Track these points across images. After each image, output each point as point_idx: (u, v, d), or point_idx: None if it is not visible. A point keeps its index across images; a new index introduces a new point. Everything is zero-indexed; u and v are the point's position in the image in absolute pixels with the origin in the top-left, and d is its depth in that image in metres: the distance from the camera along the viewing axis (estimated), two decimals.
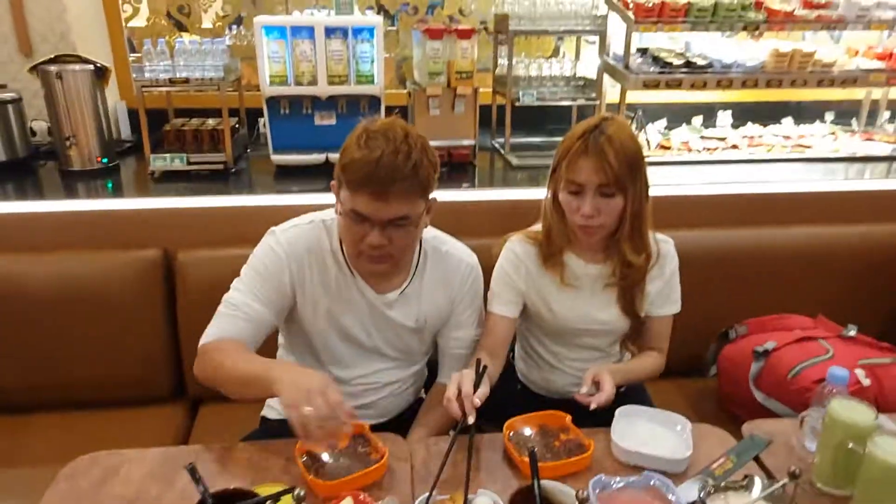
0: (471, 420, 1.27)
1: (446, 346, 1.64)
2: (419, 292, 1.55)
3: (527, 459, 1.22)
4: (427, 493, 1.14)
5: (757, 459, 1.30)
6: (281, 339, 1.66)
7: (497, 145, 2.89)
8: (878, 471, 1.12)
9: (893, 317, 2.13)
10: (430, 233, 1.57)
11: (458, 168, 2.58)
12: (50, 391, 1.94)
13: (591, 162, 1.42)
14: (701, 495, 1.18)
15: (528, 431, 1.38)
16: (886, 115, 3.36)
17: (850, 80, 2.76)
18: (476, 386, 1.31)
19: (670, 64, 2.64)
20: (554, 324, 1.64)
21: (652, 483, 1.22)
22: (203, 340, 1.44)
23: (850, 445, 1.17)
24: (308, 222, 1.52)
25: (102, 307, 1.91)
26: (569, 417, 1.40)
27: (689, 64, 2.66)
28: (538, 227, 1.63)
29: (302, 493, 1.04)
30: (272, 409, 1.67)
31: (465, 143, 2.69)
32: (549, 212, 1.57)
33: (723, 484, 1.17)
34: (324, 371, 1.56)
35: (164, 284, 1.95)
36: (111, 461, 1.31)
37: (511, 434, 1.36)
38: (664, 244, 1.62)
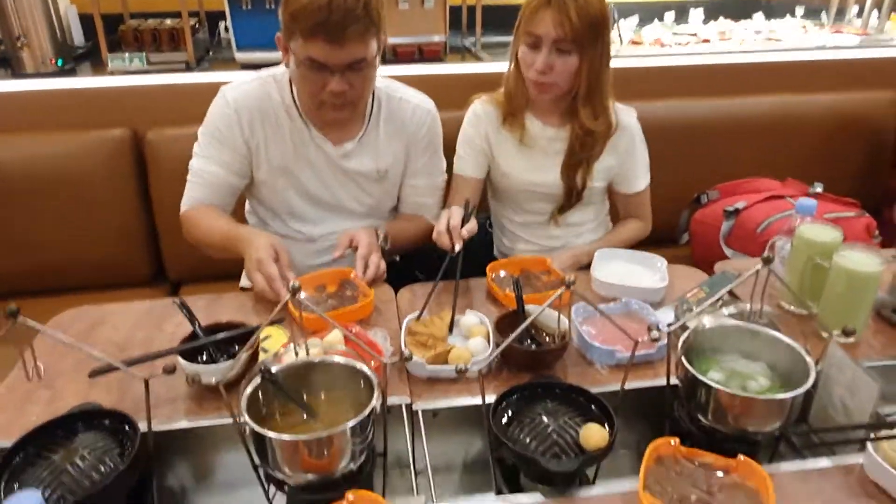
0: (458, 247, 1.30)
1: (405, 196, 1.66)
2: (376, 140, 1.55)
3: (511, 294, 1.26)
4: (417, 312, 1.18)
5: (730, 293, 1.36)
6: (247, 205, 1.67)
7: (468, 44, 2.84)
8: (843, 281, 1.19)
9: (857, 177, 2.20)
10: (382, 82, 1.55)
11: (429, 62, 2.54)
12: (26, 277, 1.92)
13: (552, 14, 1.41)
14: (677, 313, 1.23)
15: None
16: (855, 9, 3.38)
17: None
18: (464, 222, 1.34)
19: None
20: (505, 185, 1.66)
21: (630, 308, 1.28)
22: (181, 209, 1.52)
23: (817, 261, 1.23)
24: (257, 79, 1.49)
25: (73, 189, 1.87)
26: (549, 260, 1.44)
27: None
28: (503, 89, 1.63)
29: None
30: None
31: (436, 38, 2.63)
32: (510, 71, 1.57)
33: (696, 308, 1.23)
34: (290, 230, 1.59)
35: (134, 165, 1.91)
36: (97, 313, 1.31)
37: (494, 275, 1.39)
38: (625, 114, 1.60)
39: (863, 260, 1.18)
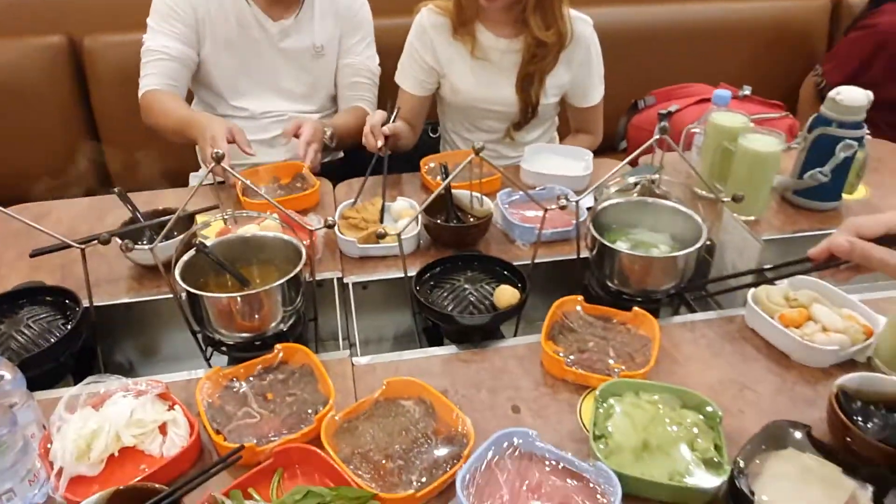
0: (379, 144, 1.36)
1: (342, 78, 1.71)
2: (311, 18, 1.61)
3: (440, 181, 1.33)
4: (351, 200, 1.24)
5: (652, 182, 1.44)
6: (195, 98, 1.73)
7: None
8: (747, 162, 1.28)
9: (785, 83, 2.28)
10: None
11: None
12: None
13: None
14: (596, 196, 1.31)
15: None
16: None
17: None
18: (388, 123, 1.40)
19: None
20: (458, 102, 1.62)
21: (554, 194, 1.35)
22: (142, 90, 1.56)
23: (725, 144, 1.31)
24: None
25: (7, 100, 1.84)
26: (483, 159, 1.50)
27: None
28: None
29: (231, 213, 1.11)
30: (197, 178, 1.74)
31: None
32: None
33: (614, 191, 1.31)
34: (233, 109, 1.66)
35: (73, 73, 1.89)
36: (40, 209, 1.35)
37: (426, 167, 1.45)
38: (580, 24, 1.55)
39: (765, 141, 1.27)
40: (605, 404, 0.85)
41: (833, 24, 2.32)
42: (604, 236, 1.10)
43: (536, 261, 1.14)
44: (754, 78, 2.10)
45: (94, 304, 1.03)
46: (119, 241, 1.10)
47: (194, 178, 1.76)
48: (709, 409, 0.83)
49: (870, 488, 0.74)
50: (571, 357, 0.94)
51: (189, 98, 1.68)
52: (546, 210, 1.07)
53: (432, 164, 1.46)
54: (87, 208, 1.35)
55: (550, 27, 1.48)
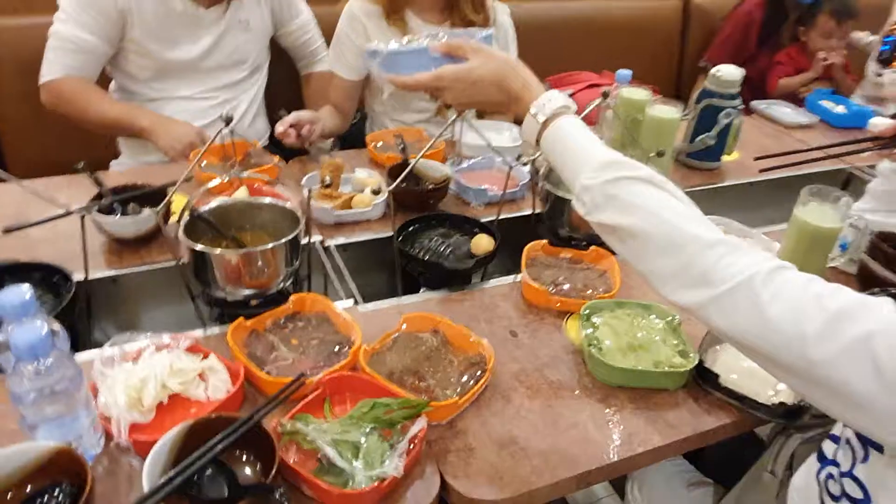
0: (288, 141, 1.49)
1: (294, 42, 1.81)
2: None
3: (393, 156, 1.44)
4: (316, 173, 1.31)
5: None
6: (112, 83, 1.69)
7: None
8: (654, 128, 1.51)
9: (656, 69, 2.63)
10: None
11: None
12: None
13: None
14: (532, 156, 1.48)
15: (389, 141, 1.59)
16: None
17: None
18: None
19: None
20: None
21: (493, 162, 1.50)
22: (47, 77, 1.50)
23: (635, 115, 1.54)
24: None
25: None
26: (424, 131, 1.63)
27: None
28: None
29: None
30: (120, 165, 1.71)
31: None
32: None
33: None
34: (163, 93, 1.65)
35: None
36: None
37: (374, 145, 1.55)
38: (500, 11, 1.71)
39: (666, 110, 1.51)
40: (589, 321, 1.01)
41: (685, 21, 2.70)
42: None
43: (492, 218, 1.30)
44: (628, 65, 2.39)
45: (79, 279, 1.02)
46: (103, 223, 1.10)
47: (116, 166, 1.71)
48: (669, 318, 1.02)
49: None
50: (551, 288, 1.09)
51: (102, 83, 1.64)
52: (511, 168, 1.22)
53: (381, 144, 1.56)
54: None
55: (479, 11, 1.64)
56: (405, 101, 1.77)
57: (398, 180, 1.08)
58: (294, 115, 1.51)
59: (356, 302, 1.08)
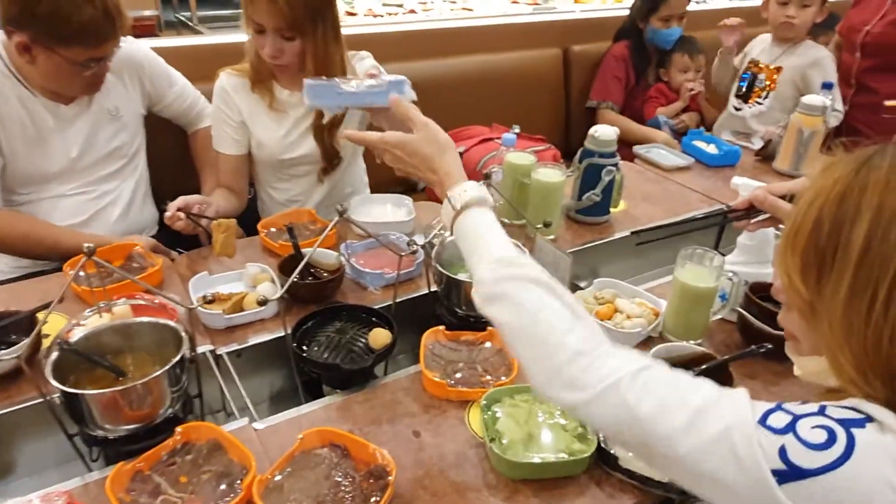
0: (178, 226, 1.44)
1: (178, 110, 1.78)
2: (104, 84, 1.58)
3: (285, 243, 1.41)
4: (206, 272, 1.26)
5: None
6: None
7: (184, 18, 2.77)
8: (539, 191, 1.55)
9: (542, 118, 2.73)
10: None
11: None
12: None
13: (265, 4, 1.45)
14: (426, 236, 1.49)
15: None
16: None
17: None
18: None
19: None
20: (265, 156, 1.70)
21: (388, 240, 1.50)
22: None
23: (522, 179, 1.58)
24: None
25: None
26: (313, 211, 1.60)
27: None
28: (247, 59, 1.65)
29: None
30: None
31: (147, 13, 2.55)
32: (251, 46, 1.59)
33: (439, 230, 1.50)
34: (40, 198, 1.58)
35: None
36: None
37: (266, 232, 1.51)
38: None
39: (550, 174, 1.55)
40: (489, 411, 1.01)
41: (566, 68, 2.82)
42: (448, 270, 1.28)
43: (389, 302, 1.29)
44: (516, 115, 2.47)
45: None
46: None
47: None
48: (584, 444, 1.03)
49: None
50: (449, 380, 1.09)
51: None
52: (401, 256, 1.21)
53: (273, 230, 1.52)
54: None
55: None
56: (282, 170, 1.75)
57: (285, 287, 1.05)
58: (182, 200, 1.46)
59: (251, 419, 1.03)
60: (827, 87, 2.08)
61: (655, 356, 1.08)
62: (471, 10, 3.83)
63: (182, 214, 1.44)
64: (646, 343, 1.22)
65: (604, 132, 1.60)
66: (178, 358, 0.96)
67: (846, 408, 0.60)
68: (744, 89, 2.48)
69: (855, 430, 0.57)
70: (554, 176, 1.55)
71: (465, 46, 2.59)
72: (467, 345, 1.19)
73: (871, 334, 0.59)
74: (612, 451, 0.94)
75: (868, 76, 2.40)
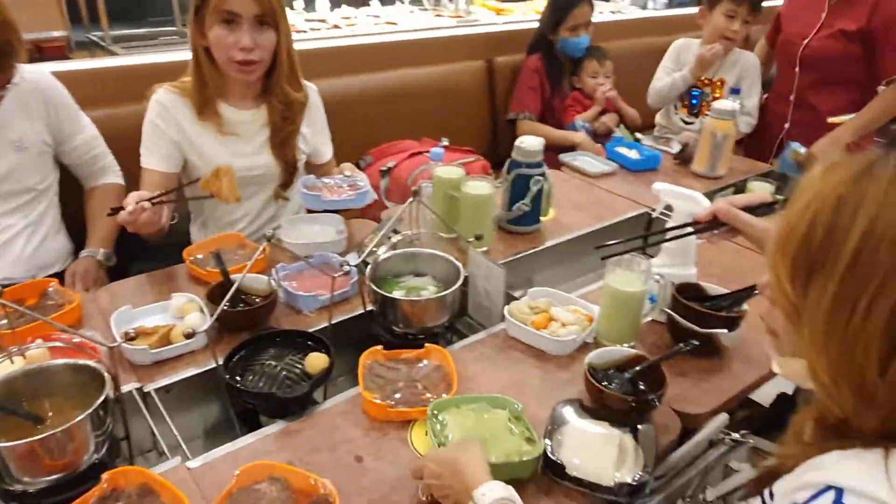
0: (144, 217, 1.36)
1: (79, 157, 1.69)
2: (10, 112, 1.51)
3: (213, 270, 1.36)
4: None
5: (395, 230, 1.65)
6: None
7: (96, 38, 2.66)
8: (470, 204, 1.56)
9: (470, 130, 2.76)
10: None
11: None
12: None
13: None
14: (359, 255, 1.47)
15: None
16: None
17: None
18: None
19: None
20: None
21: (321, 260, 1.48)
22: None
23: (451, 193, 1.59)
24: None
25: None
26: (241, 234, 1.56)
27: None
28: (187, 78, 1.59)
29: None
30: None
31: (56, 34, 2.43)
32: (200, 58, 1.53)
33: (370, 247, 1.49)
34: None
35: None
36: None
37: (192, 259, 1.46)
38: (310, 90, 1.72)
39: (480, 186, 1.57)
40: (437, 420, 1.00)
41: (490, 79, 2.86)
42: (382, 288, 1.27)
43: (325, 324, 1.26)
44: (444, 128, 2.49)
45: None
46: None
47: None
48: (514, 406, 1.04)
49: (628, 430, 1.02)
50: (390, 400, 1.08)
51: None
52: (334, 277, 1.20)
53: (200, 256, 1.46)
54: None
55: (300, 90, 1.64)
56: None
57: (213, 317, 1.02)
58: (136, 194, 1.38)
59: (184, 458, 0.99)
60: (735, 91, 2.19)
61: (591, 361, 1.11)
62: (395, 24, 3.85)
63: (146, 204, 1.35)
64: (581, 349, 1.25)
65: (529, 143, 1.63)
66: (100, 400, 0.91)
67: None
68: (696, 107, 2.56)
69: None
70: (483, 188, 1.56)
71: (391, 61, 2.59)
72: (406, 363, 1.18)
73: (848, 344, 0.61)
74: (558, 461, 0.95)
75: (809, 93, 2.41)
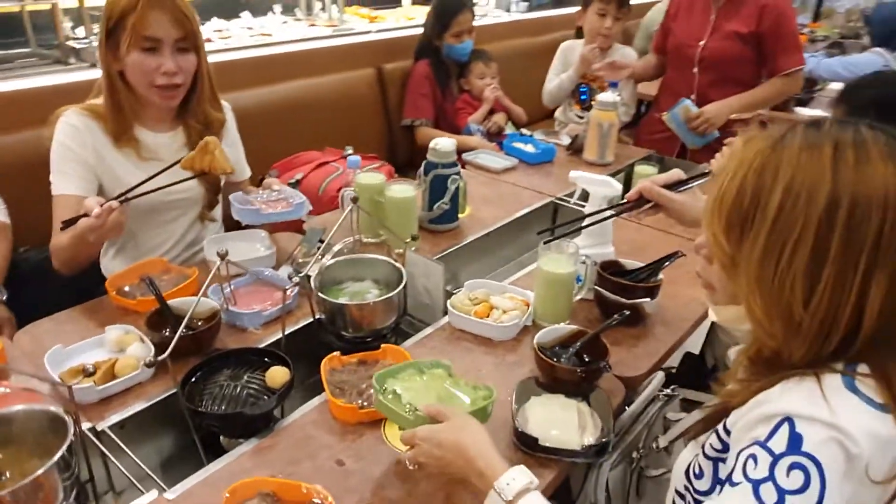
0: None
1: None
2: None
3: (143, 298, 1.32)
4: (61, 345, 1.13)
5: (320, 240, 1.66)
6: None
7: None
8: (395, 207, 1.61)
9: (372, 137, 2.80)
10: None
11: None
12: None
13: (167, 14, 1.38)
14: (294, 267, 1.48)
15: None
16: (319, 4, 4.03)
17: None
18: None
19: None
20: (138, 203, 1.49)
21: (257, 277, 1.46)
22: None
23: (376, 198, 1.62)
24: None
25: None
26: (164, 259, 1.51)
27: None
28: (97, 101, 1.50)
29: None
30: None
31: None
32: (115, 83, 1.45)
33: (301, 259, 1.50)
34: None
35: None
36: None
37: (117, 290, 1.39)
38: (226, 108, 1.68)
39: (403, 189, 1.62)
40: (386, 393, 1.00)
41: (381, 86, 2.91)
42: (328, 296, 1.29)
43: (271, 339, 1.27)
44: (345, 137, 2.52)
45: None
46: None
47: None
48: (445, 363, 1.08)
49: (581, 399, 1.11)
50: (359, 401, 1.10)
51: None
52: (286, 290, 1.20)
53: (127, 288, 1.39)
54: None
55: (217, 109, 1.61)
56: (159, 214, 1.61)
57: (174, 341, 1.00)
58: (94, 198, 1.30)
59: (160, 490, 0.96)
60: (613, 85, 2.38)
61: (540, 341, 1.20)
62: (269, 35, 3.78)
63: (114, 203, 1.26)
64: (522, 332, 1.33)
65: (443, 145, 1.70)
66: (66, 444, 0.87)
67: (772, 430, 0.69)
68: (586, 102, 2.73)
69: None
70: (407, 191, 1.62)
71: (284, 73, 2.58)
72: (365, 365, 1.20)
73: (777, 283, 0.72)
74: (531, 435, 1.02)
75: (711, 91, 2.48)
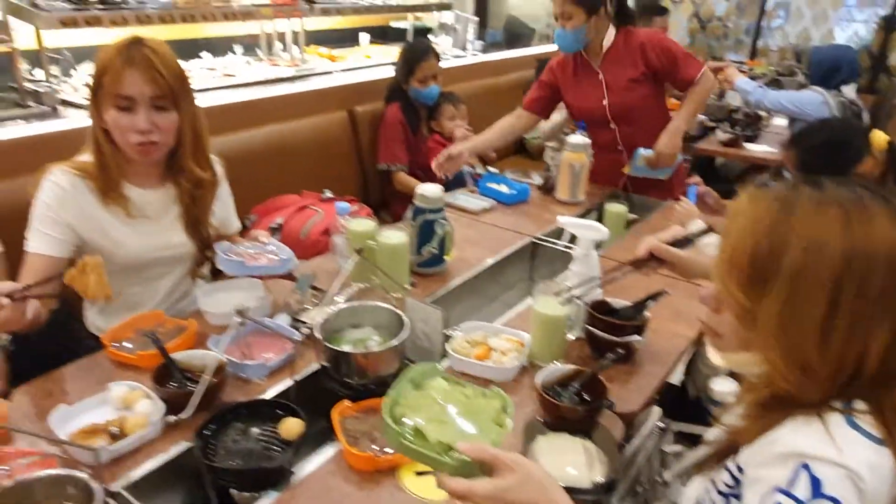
0: None
1: None
2: None
3: (145, 353, 1.32)
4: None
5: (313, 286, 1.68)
6: None
7: None
8: (387, 253, 1.65)
9: (349, 179, 2.84)
10: None
11: None
12: None
13: (140, 73, 1.38)
14: (294, 315, 1.50)
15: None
16: (280, 45, 4.06)
17: (247, 13, 3.24)
18: None
19: (85, 0, 2.57)
20: (126, 260, 1.54)
21: (255, 326, 1.47)
22: None
23: (368, 244, 1.66)
24: None
25: None
26: (160, 312, 1.51)
27: (104, 1, 2.64)
28: (85, 157, 1.49)
29: None
30: None
31: None
32: (100, 140, 1.45)
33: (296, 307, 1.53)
34: None
35: None
36: None
37: (115, 345, 1.38)
38: (216, 164, 1.68)
39: (394, 235, 1.66)
40: (402, 427, 0.90)
41: (353, 128, 2.97)
42: (332, 344, 1.31)
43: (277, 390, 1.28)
44: (323, 180, 2.56)
45: None
46: None
47: None
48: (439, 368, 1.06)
49: (584, 436, 1.17)
50: (374, 447, 1.13)
51: None
52: (295, 341, 1.22)
53: (128, 345, 1.39)
54: None
55: (207, 169, 1.59)
56: (148, 270, 1.59)
57: (198, 396, 1.01)
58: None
59: None
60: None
61: (543, 380, 1.25)
62: (233, 76, 3.79)
63: (4, 300, 1.18)
64: (521, 371, 1.38)
65: (431, 190, 1.76)
66: None
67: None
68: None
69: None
70: (398, 237, 1.66)
71: (256, 118, 2.60)
72: (375, 412, 1.23)
73: (797, 335, 0.78)
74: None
75: (635, 139, 2.45)
